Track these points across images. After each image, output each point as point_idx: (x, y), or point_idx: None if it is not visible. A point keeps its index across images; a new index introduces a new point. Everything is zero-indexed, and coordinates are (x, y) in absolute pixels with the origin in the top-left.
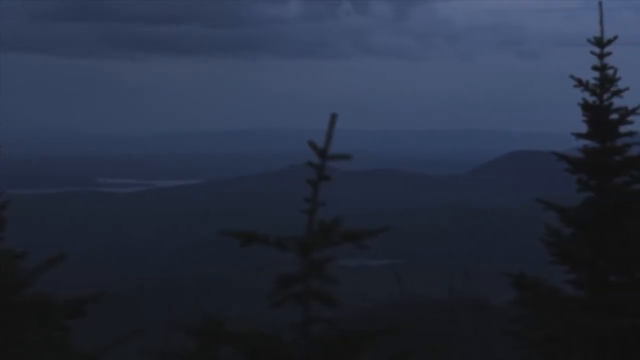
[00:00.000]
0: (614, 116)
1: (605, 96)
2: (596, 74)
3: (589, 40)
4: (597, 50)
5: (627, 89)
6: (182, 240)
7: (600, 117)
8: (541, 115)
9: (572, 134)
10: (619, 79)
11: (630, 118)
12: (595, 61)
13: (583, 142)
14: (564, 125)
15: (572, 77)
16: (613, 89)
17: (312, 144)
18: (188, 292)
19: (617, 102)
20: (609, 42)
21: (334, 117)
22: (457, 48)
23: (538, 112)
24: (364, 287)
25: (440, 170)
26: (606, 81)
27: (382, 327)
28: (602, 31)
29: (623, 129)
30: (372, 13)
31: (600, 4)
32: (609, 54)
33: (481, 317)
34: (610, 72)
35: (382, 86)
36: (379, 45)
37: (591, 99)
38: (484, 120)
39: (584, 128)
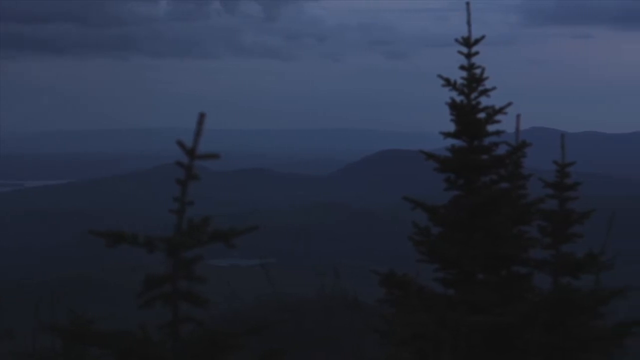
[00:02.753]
0: (482, 115)
1: (472, 95)
2: (464, 74)
3: (456, 40)
4: (464, 50)
5: (494, 88)
6: (50, 240)
7: (468, 116)
8: (411, 115)
9: (440, 133)
10: (486, 78)
11: (497, 117)
12: (463, 61)
13: (451, 141)
14: (433, 125)
15: (439, 76)
16: (480, 88)
17: (180, 143)
18: (56, 292)
19: (484, 101)
20: (477, 42)
21: (202, 117)
22: (327, 48)
23: (408, 111)
24: (234, 286)
25: (312, 170)
26: (473, 81)
27: (251, 327)
28: (469, 31)
29: (490, 127)
30: (242, 13)
31: (467, 4)
32: (476, 53)
33: (352, 315)
34: (478, 71)
35: (253, 86)
36: (250, 45)
37: (459, 98)
38: (354, 119)
39: (452, 127)
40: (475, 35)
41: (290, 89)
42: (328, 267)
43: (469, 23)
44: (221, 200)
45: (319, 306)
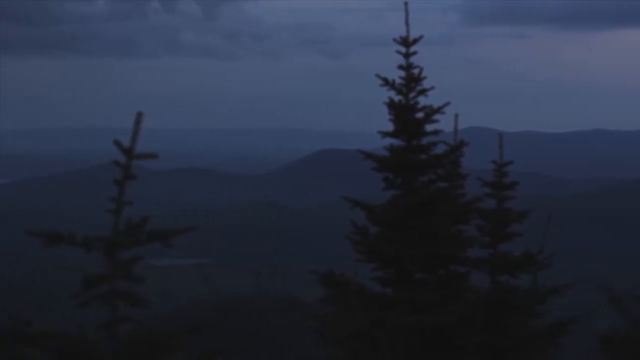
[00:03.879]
0: (420, 115)
1: (411, 95)
2: (402, 73)
3: (394, 40)
4: (403, 49)
5: (432, 88)
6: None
7: (406, 115)
8: (350, 114)
9: (378, 132)
10: (424, 78)
11: (436, 117)
12: (402, 61)
13: (390, 140)
14: (372, 124)
15: (377, 76)
16: (418, 88)
17: (117, 143)
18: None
19: (422, 101)
20: (415, 41)
21: (140, 116)
22: (266, 47)
23: (347, 111)
24: (172, 286)
25: (251, 169)
26: (411, 80)
27: (190, 326)
28: (407, 31)
29: (428, 127)
30: (181, 12)
31: (406, 4)
32: (415, 53)
33: (291, 315)
34: (416, 71)
35: (193, 85)
36: (189, 45)
37: (397, 98)
38: (293, 119)
39: (391, 127)
40: (414, 35)
41: (229, 89)
42: (266, 267)
43: (406, 23)
44: (160, 200)
45: (256, 306)
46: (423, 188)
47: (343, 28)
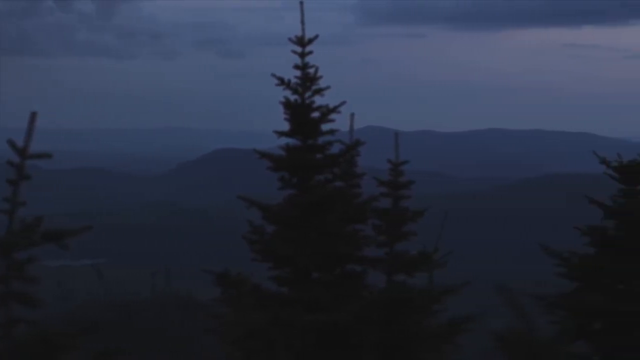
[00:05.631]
0: (316, 114)
1: (306, 94)
2: (298, 73)
3: (290, 40)
4: (298, 49)
5: (328, 87)
6: None
7: (302, 115)
8: (247, 114)
9: (274, 132)
10: (320, 77)
11: (332, 116)
12: (297, 60)
13: (286, 139)
14: (270, 124)
15: (273, 75)
16: (314, 87)
17: (11, 143)
18: None
19: (318, 100)
20: (310, 41)
21: (33, 116)
22: (162, 47)
23: (244, 110)
24: (68, 286)
25: (146, 169)
26: (307, 80)
27: (84, 327)
28: (303, 30)
29: (324, 126)
30: (76, 11)
31: (301, 3)
32: (310, 52)
33: (189, 314)
34: (312, 70)
35: (89, 84)
36: (85, 44)
37: (293, 97)
38: (190, 118)
39: (287, 126)
40: (310, 34)
41: (126, 88)
42: (161, 267)
43: (302, 22)
44: (55, 200)
45: (151, 305)
46: (319, 187)
47: (242, 27)
